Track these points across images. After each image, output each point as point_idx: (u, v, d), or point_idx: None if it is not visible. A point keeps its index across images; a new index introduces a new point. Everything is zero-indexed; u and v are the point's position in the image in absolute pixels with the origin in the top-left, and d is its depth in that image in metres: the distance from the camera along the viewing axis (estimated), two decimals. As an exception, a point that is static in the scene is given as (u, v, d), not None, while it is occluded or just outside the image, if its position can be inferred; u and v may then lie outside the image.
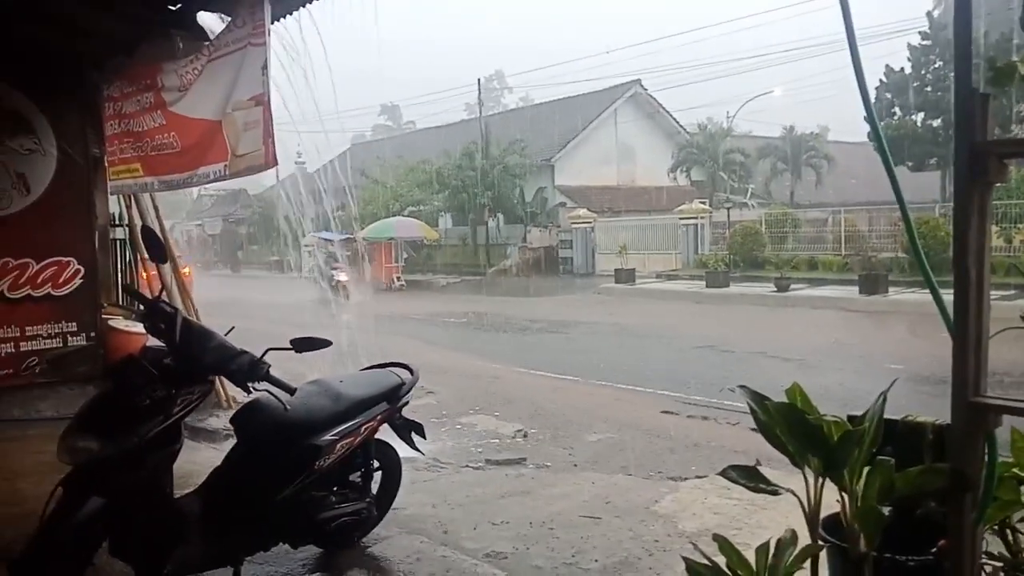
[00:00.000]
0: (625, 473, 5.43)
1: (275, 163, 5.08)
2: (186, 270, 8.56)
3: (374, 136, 61.95)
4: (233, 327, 3.31)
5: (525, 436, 6.54)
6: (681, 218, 25.72)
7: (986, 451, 2.05)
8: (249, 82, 4.99)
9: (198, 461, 4.43)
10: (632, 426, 6.81)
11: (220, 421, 6.12)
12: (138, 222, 6.93)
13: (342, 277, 20.22)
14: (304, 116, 6.38)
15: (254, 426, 3.28)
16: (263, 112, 4.95)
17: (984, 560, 2.15)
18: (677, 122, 35.68)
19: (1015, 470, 2.12)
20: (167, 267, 6.55)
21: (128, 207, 7.09)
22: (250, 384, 3.04)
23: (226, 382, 4.37)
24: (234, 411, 3.49)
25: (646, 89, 34.67)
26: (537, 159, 30.93)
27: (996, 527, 2.19)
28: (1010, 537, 2.20)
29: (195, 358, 2.97)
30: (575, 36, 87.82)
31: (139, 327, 5.46)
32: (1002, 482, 2.08)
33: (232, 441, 3.43)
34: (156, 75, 5.72)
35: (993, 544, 2.22)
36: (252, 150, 5.11)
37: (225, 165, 5.31)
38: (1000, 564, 2.15)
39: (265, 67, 4.90)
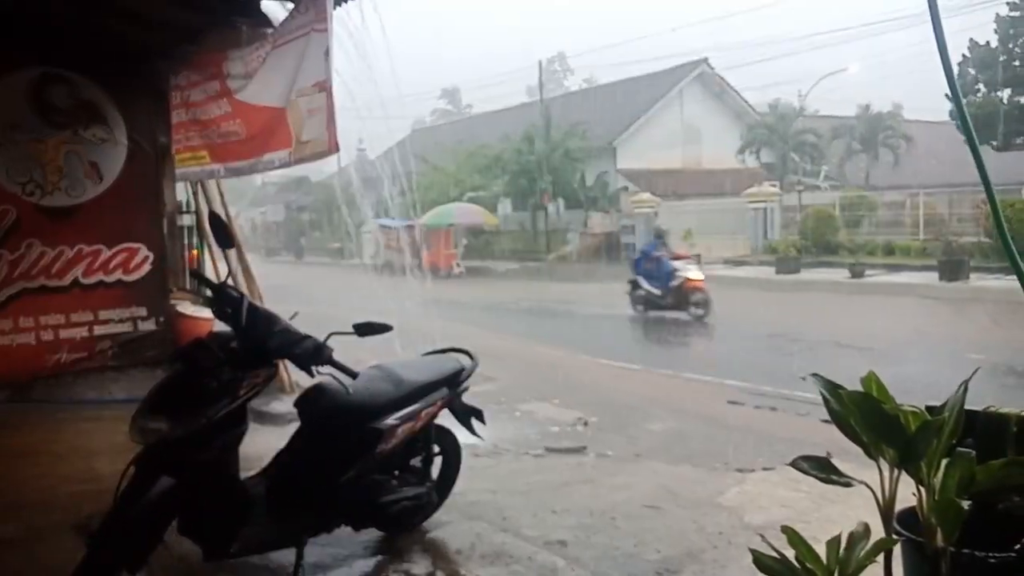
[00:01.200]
0: (689, 464, 5.32)
1: (337, 149, 5.11)
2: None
3: (434, 121, 62.25)
4: (297, 312, 3.35)
5: (586, 424, 6.48)
6: (750, 202, 25.07)
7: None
8: (312, 68, 5.03)
9: (263, 444, 4.51)
10: (697, 416, 6.69)
11: (284, 405, 6.23)
12: (205, 209, 7.10)
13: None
14: (366, 102, 6.42)
15: (317, 410, 3.32)
16: (326, 98, 4.99)
17: (1075, 561, 2.03)
18: (746, 101, 34.69)
19: (1111, 466, 1.99)
20: (233, 252, 6.69)
21: (195, 194, 7.27)
22: (314, 368, 3.08)
23: (290, 366, 4.44)
24: (298, 395, 3.54)
25: (713, 68, 33.81)
26: (599, 142, 30.58)
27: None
28: (1101, 536, 2.06)
29: (260, 342, 3.02)
30: (640, 14, 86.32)
31: (206, 312, 5.62)
32: (1096, 478, 1.96)
33: (296, 424, 3.48)
34: (221, 63, 5.82)
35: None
36: (316, 136, 5.16)
37: (289, 152, 5.37)
38: (1092, 565, 2.02)
39: (328, 53, 4.93)
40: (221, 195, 7.30)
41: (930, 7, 2.09)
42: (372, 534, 3.71)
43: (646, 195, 27.70)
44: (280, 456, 3.35)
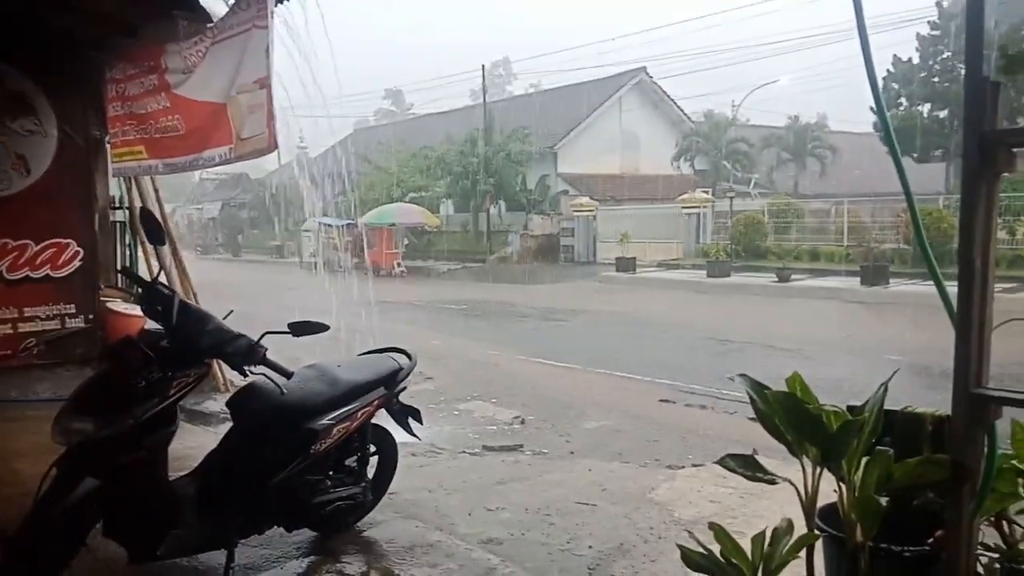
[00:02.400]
0: (622, 461, 5.42)
1: (277, 146, 5.07)
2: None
3: (377, 121, 61.70)
4: (232, 311, 3.30)
5: (523, 423, 6.53)
6: (684, 207, 25.64)
7: (986, 443, 2.04)
8: (253, 65, 4.97)
9: (194, 444, 4.43)
10: (630, 414, 6.80)
11: (217, 404, 6.12)
12: (138, 204, 6.91)
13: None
14: (307, 100, 6.35)
15: (250, 409, 3.27)
16: (266, 95, 4.94)
17: (980, 551, 2.15)
18: (682, 110, 35.47)
19: (1014, 462, 2.11)
20: (166, 250, 6.52)
21: (128, 190, 7.06)
22: (247, 367, 3.03)
23: (223, 365, 4.35)
24: (231, 394, 3.48)
25: (651, 77, 34.44)
26: (540, 146, 30.79)
27: (992, 519, 2.18)
28: (1006, 528, 2.19)
29: (192, 340, 2.96)
30: (582, 23, 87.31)
31: (137, 310, 5.45)
32: (1000, 474, 2.07)
33: (228, 424, 3.42)
34: (160, 57, 5.69)
35: (988, 536, 2.21)
36: (256, 133, 5.11)
37: (230, 148, 5.30)
38: (996, 555, 2.14)
39: (268, 50, 4.89)
40: (156, 191, 7.10)
41: (858, 25, 2.19)
42: (305, 535, 3.67)
43: (585, 199, 28.05)
44: (211, 456, 3.29)
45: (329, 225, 23.67)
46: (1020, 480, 2.09)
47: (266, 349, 3.03)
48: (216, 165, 5.81)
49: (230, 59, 5.13)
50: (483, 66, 33.62)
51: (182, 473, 3.26)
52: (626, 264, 22.58)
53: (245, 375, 3.08)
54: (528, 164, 29.89)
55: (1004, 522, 2.18)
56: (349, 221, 22.39)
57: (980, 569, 2.14)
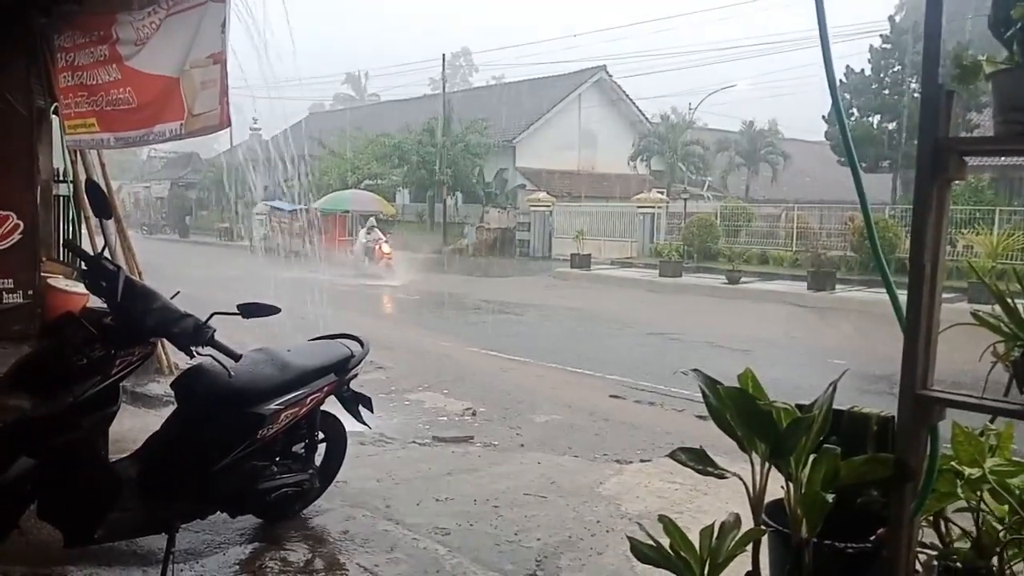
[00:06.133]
0: (571, 454, 5.45)
1: (229, 124, 4.99)
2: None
3: (334, 106, 60.85)
4: (179, 291, 3.22)
5: (474, 414, 6.52)
6: (639, 207, 25.90)
7: (929, 443, 2.10)
8: (208, 40, 4.88)
9: (136, 426, 4.32)
10: (580, 409, 6.84)
11: (161, 387, 5.97)
12: (83, 178, 6.70)
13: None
14: (263, 80, 6.25)
15: (196, 392, 3.19)
16: (220, 71, 4.87)
17: (919, 549, 2.21)
18: (640, 111, 35.79)
19: (953, 463, 2.17)
20: (111, 225, 6.33)
21: (73, 163, 6.83)
22: (193, 348, 2.97)
23: (169, 346, 4.24)
24: (175, 376, 3.39)
25: (611, 75, 34.68)
26: (499, 139, 30.76)
27: (931, 518, 2.24)
28: (943, 528, 2.25)
29: (137, 319, 2.88)
30: (544, 17, 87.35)
31: (80, 287, 5.28)
32: (941, 474, 2.13)
33: (172, 407, 3.33)
34: (111, 26, 5.53)
35: (927, 535, 2.27)
36: (208, 109, 5.02)
37: (181, 124, 5.20)
38: (934, 553, 2.20)
39: (224, 25, 4.80)
40: (102, 165, 6.89)
41: (821, 37, 2.21)
42: (249, 521, 3.61)
43: (542, 194, 28.12)
44: (154, 439, 3.20)
45: (281, 209, 23.31)
46: (958, 481, 2.15)
47: (214, 330, 2.96)
48: (167, 141, 5.69)
49: (184, 32, 5.02)
50: (444, 55, 33.41)
51: (123, 455, 3.17)
52: (581, 261, 22.72)
53: (191, 356, 3.02)
54: (486, 156, 29.85)
55: (942, 521, 2.24)
56: (302, 206, 22.05)
57: (918, 567, 2.20)
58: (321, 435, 3.84)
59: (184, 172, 44.35)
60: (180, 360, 5.84)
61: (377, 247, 21.12)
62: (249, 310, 3.08)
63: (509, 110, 32.43)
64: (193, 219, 41.40)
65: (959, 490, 2.15)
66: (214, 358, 3.01)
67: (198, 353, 3.01)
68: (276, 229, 23.66)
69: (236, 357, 3.01)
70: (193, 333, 2.93)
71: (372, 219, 22.62)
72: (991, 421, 2.20)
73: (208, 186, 41.06)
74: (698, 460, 2.36)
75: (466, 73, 66.70)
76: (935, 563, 2.18)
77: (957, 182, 2.16)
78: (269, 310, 3.16)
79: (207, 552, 3.38)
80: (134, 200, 45.77)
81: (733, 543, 2.24)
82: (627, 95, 35.38)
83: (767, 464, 2.26)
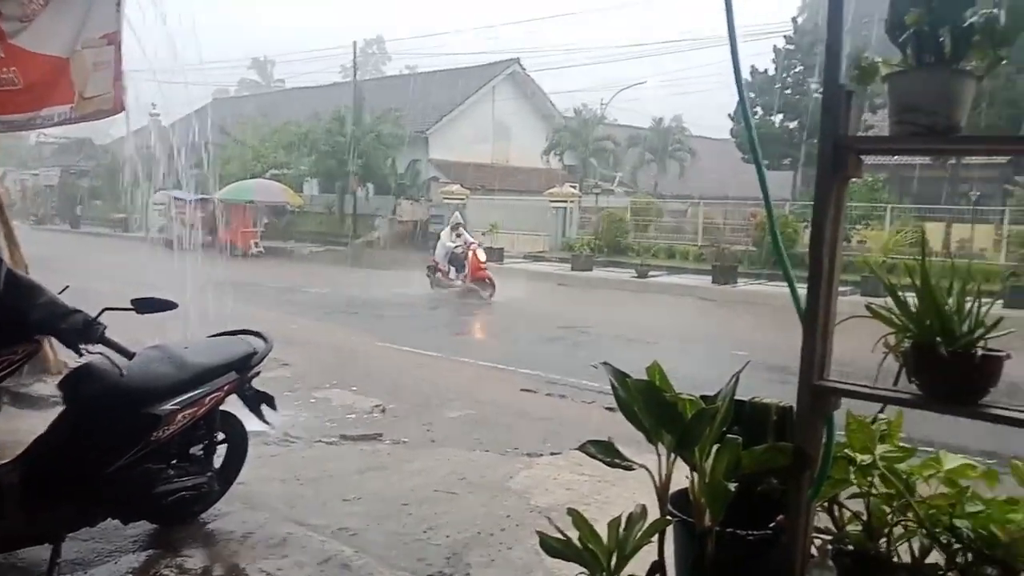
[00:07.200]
0: (482, 449, 5.44)
1: (122, 108, 4.76)
2: None
3: (239, 92, 58.83)
4: (68, 286, 3.03)
5: (383, 411, 6.42)
6: (551, 201, 26.14)
7: (825, 432, 2.17)
8: (101, 18, 4.63)
9: (20, 429, 4.04)
10: (491, 403, 6.84)
11: (47, 387, 5.62)
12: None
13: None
14: (162, 63, 5.98)
15: (85, 392, 3.01)
16: (114, 52, 4.62)
17: (815, 535, 2.29)
18: (553, 105, 36.09)
19: (847, 451, 2.25)
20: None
21: (-52, 146, 6.35)
22: (82, 346, 2.82)
23: (56, 343, 3.97)
24: (63, 375, 3.19)
25: (524, 69, 34.81)
26: (412, 130, 30.41)
27: (826, 504, 2.32)
28: (837, 513, 2.34)
29: (20, 314, 2.72)
30: (458, 9, 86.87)
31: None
32: (835, 462, 2.21)
33: (60, 408, 3.13)
34: (-7, 2, 5.14)
35: (822, 520, 2.36)
36: (101, 92, 4.77)
37: (72, 107, 4.92)
38: (829, 538, 2.28)
39: (119, 3, 4.55)
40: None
41: (730, 39, 2.26)
42: (143, 527, 3.44)
43: (456, 187, 27.99)
44: (39, 442, 2.99)
45: (181, 199, 22.34)
46: (851, 467, 2.24)
47: (105, 327, 2.81)
48: (56, 125, 5.38)
49: (75, 10, 4.74)
50: (355, 43, 32.76)
51: (4, 460, 2.95)
52: (493, 254, 22.75)
53: (80, 354, 2.86)
54: (399, 147, 29.48)
55: (836, 506, 2.33)
56: (203, 196, 21.23)
57: (814, 551, 2.28)
58: (221, 436, 3.71)
59: (76, 159, 42.02)
60: (69, 357, 5.52)
61: (472, 253, 15.18)
62: (144, 305, 2.95)
63: (422, 101, 32.14)
64: (86, 209, 39.32)
65: (852, 476, 2.24)
66: (105, 356, 2.86)
67: (88, 351, 2.86)
68: (176, 220, 22.72)
69: (129, 355, 2.88)
70: (82, 330, 2.79)
71: (456, 214, 17.86)
72: (881, 410, 2.30)
73: (102, 174, 39.05)
74: (606, 452, 2.38)
75: (379, 61, 65.68)
76: (830, 547, 2.26)
77: (855, 180, 2.24)
78: (166, 305, 3.03)
79: (96, 561, 3.19)
80: (21, 188, 43.14)
81: (640, 534, 2.26)
82: (540, 89, 35.62)
83: (673, 455, 2.30)
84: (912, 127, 1.98)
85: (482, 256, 15.33)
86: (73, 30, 4.76)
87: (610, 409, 5.54)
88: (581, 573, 2.27)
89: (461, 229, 16.22)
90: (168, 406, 3.14)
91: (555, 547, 2.31)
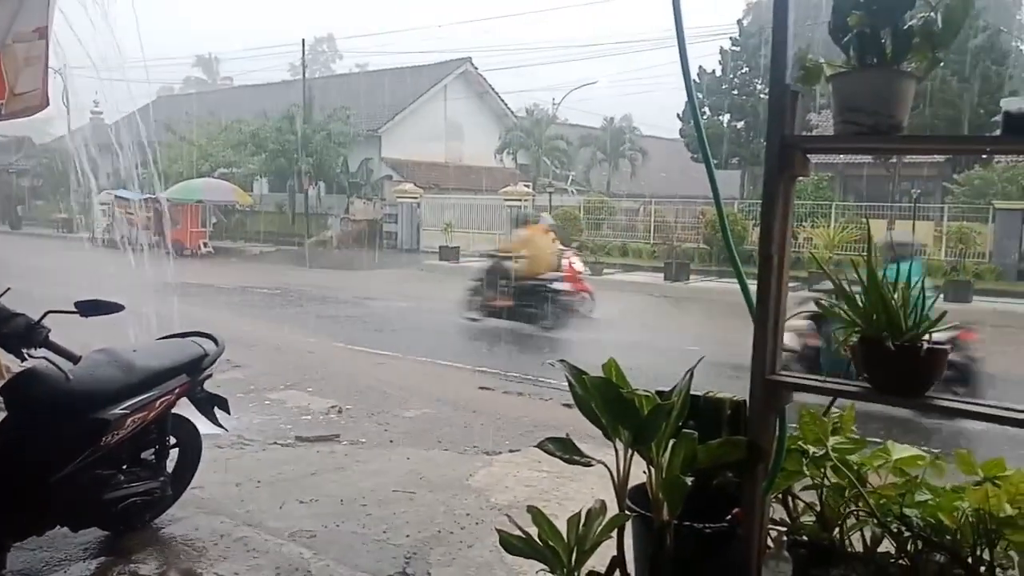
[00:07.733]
0: (441, 448, 5.42)
1: (47, 103, 4.61)
2: None
3: (184, 89, 57.52)
4: (8, 288, 2.93)
5: (340, 412, 6.35)
6: (506, 199, 26.14)
7: (778, 425, 2.22)
8: (32, 10, 4.45)
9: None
10: (450, 402, 6.82)
11: (-11, 393, 5.43)
12: None
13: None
14: (103, 60, 5.82)
15: (29, 397, 2.92)
16: (45, 46, 4.46)
17: (770, 526, 2.34)
18: (505, 104, 36.07)
19: (800, 443, 2.31)
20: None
21: None
22: (25, 351, 2.72)
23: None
24: (5, 380, 3.09)
25: (476, 68, 34.74)
26: (364, 128, 30.11)
27: (780, 495, 2.38)
28: (791, 504, 2.40)
29: None
30: (410, 6, 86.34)
31: None
32: (789, 454, 2.26)
33: (3, 415, 3.03)
34: (-84, -8, 4.93)
35: (777, 512, 2.41)
36: (31, 88, 4.60)
37: (1, 103, 4.72)
38: (784, 529, 2.34)
39: None
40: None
41: (679, 40, 2.29)
42: (94, 534, 3.35)
43: (409, 185, 27.83)
44: (-21, 451, 2.90)
45: (126, 199, 21.83)
46: (804, 459, 2.29)
47: (48, 330, 2.74)
48: (-16, 121, 5.16)
49: (7, 2, 4.57)
50: (303, 40, 32.30)
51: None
52: (449, 253, 22.68)
53: (23, 359, 2.77)
54: (351, 146, 29.16)
55: (790, 498, 2.39)
56: (150, 195, 20.74)
57: (770, 542, 2.34)
58: (173, 440, 3.64)
59: (15, 158, 40.58)
60: (12, 363, 5.34)
61: (569, 263, 11.92)
62: (88, 308, 2.87)
63: (375, 99, 31.84)
64: (26, 209, 38.09)
65: (805, 468, 2.29)
66: (50, 360, 2.78)
67: (31, 356, 2.77)
68: (121, 220, 22.13)
69: (75, 359, 2.81)
70: (24, 333, 2.71)
71: (545, 215, 15.06)
72: (832, 403, 2.36)
73: (43, 174, 37.86)
74: (565, 449, 2.40)
75: (329, 59, 64.91)
76: (785, 538, 2.32)
77: (801, 178, 2.30)
78: (111, 308, 2.97)
79: (45, 571, 3.10)
80: (-46, 188, 41.55)
81: (599, 529, 2.29)
82: (493, 88, 35.60)
83: (630, 450, 2.33)
84: (856, 127, 2.04)
85: (579, 266, 12.38)
86: (4, 23, 4.60)
87: (568, 405, 5.57)
88: (542, 570, 2.29)
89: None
90: (116, 410, 3.07)
91: (515, 545, 2.32)
